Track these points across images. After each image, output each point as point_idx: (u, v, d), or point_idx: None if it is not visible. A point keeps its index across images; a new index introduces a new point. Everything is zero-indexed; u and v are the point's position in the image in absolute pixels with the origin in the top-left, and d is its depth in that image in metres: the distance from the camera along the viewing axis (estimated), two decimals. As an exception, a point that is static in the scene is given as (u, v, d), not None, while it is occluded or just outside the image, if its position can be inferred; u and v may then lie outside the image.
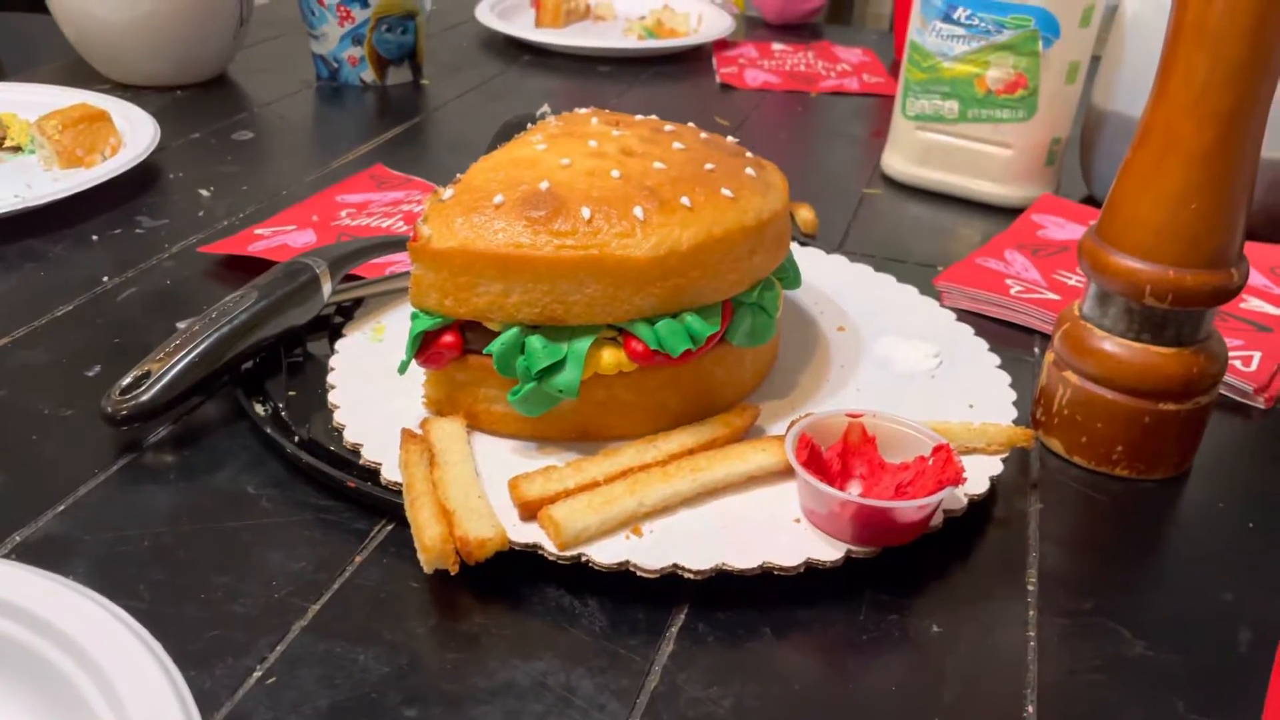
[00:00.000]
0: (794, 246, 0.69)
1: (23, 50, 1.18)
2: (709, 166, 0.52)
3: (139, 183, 0.82)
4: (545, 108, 0.70)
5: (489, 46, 1.27)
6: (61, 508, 0.48)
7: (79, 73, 1.07)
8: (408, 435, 0.49)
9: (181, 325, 0.56)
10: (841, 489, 0.47)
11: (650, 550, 0.44)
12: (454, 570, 0.43)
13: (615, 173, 0.50)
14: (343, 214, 0.76)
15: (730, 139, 0.59)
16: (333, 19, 1.05)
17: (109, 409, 0.51)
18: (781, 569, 0.44)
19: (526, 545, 0.44)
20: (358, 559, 0.46)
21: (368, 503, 0.48)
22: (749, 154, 0.57)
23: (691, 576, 0.44)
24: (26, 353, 0.60)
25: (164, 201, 0.80)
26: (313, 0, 1.05)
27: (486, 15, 1.29)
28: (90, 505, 0.48)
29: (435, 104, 1.06)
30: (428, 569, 0.43)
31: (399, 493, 0.47)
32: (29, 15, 1.26)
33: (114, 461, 0.51)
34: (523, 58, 1.23)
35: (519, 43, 1.27)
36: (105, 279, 0.68)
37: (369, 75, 1.09)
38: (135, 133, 0.86)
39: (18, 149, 0.85)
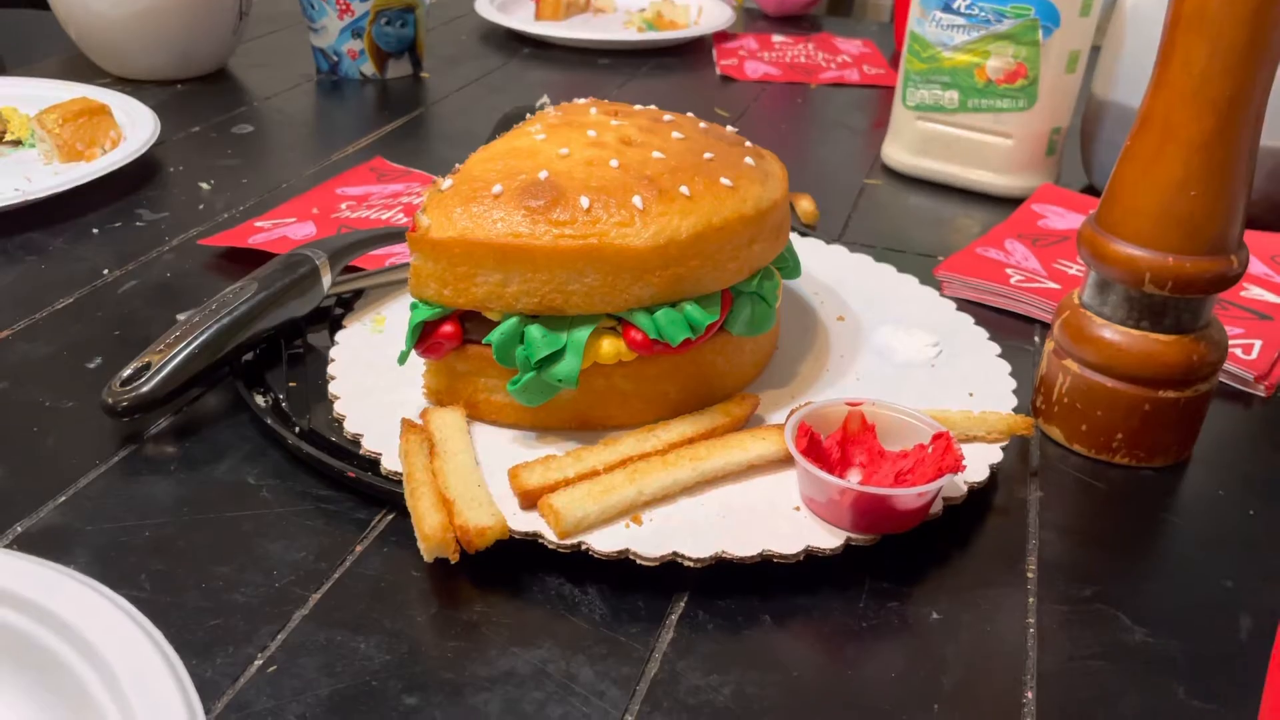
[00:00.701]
0: (794, 236, 0.69)
1: (23, 45, 1.18)
2: (708, 156, 0.52)
3: (139, 176, 0.82)
4: (544, 98, 0.70)
5: (489, 39, 1.27)
6: (63, 499, 0.48)
7: (79, 67, 1.07)
8: (407, 425, 0.49)
9: (181, 317, 0.56)
10: (841, 477, 0.47)
11: (650, 538, 0.44)
12: (454, 559, 0.43)
13: (614, 162, 0.50)
14: (343, 206, 0.76)
15: (729, 128, 0.59)
16: (332, 12, 1.05)
17: (109, 400, 0.51)
18: (781, 557, 0.44)
19: (526, 534, 0.44)
20: (358, 548, 0.46)
21: (368, 492, 0.48)
22: (748, 143, 0.57)
23: (691, 565, 0.44)
24: (27, 345, 0.60)
25: (164, 195, 0.80)
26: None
27: (486, 8, 1.29)
28: (91, 496, 0.48)
29: (435, 97, 1.06)
30: (428, 558, 0.43)
31: (399, 482, 0.47)
32: (29, 11, 1.26)
33: (115, 453, 0.51)
34: (523, 50, 1.23)
35: (519, 35, 1.27)
36: (106, 272, 0.68)
37: (369, 68, 1.09)
38: (135, 126, 0.86)
39: (18, 143, 0.85)
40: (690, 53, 1.25)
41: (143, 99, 0.93)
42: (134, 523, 0.47)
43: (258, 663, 0.40)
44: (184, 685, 0.36)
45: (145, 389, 0.51)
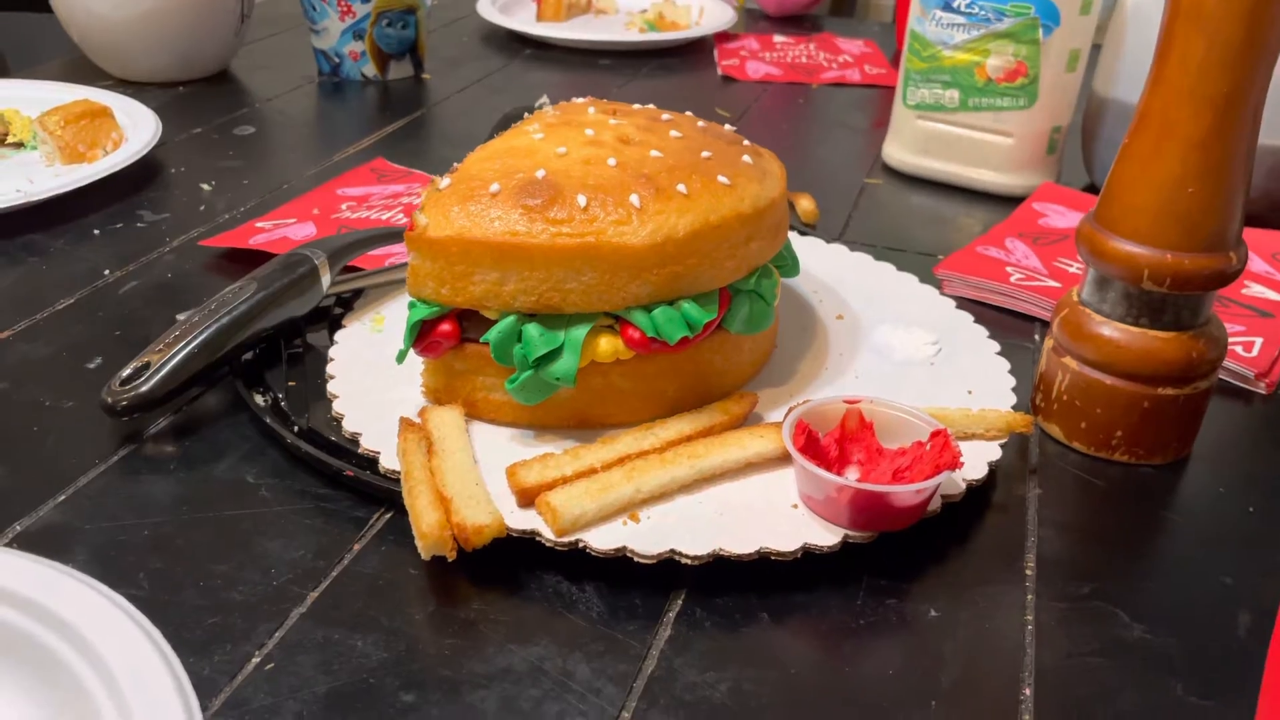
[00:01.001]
0: (794, 236, 0.69)
1: (26, 48, 1.18)
2: (706, 154, 0.52)
3: (141, 178, 0.83)
4: (544, 99, 0.70)
5: (490, 41, 1.27)
6: (62, 497, 0.48)
7: (82, 69, 1.07)
8: (406, 424, 0.49)
9: (181, 317, 0.56)
10: (839, 475, 0.47)
11: (648, 536, 0.44)
12: (451, 557, 0.43)
13: (612, 161, 0.50)
14: (343, 207, 0.77)
15: (728, 127, 0.59)
16: (334, 14, 1.05)
17: (109, 400, 0.51)
18: (779, 554, 0.44)
19: (524, 532, 0.44)
20: (356, 546, 0.46)
21: (366, 491, 0.48)
22: (746, 142, 0.57)
23: (689, 562, 0.44)
24: (28, 345, 0.60)
25: (166, 196, 0.80)
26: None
27: (488, 10, 1.29)
28: (91, 495, 0.48)
29: (436, 98, 1.06)
30: (425, 555, 0.43)
31: (397, 481, 0.47)
32: (32, 15, 1.27)
33: (114, 452, 0.51)
34: (524, 51, 1.23)
35: (520, 37, 1.27)
36: (106, 272, 0.68)
37: (370, 70, 1.09)
38: (137, 128, 0.86)
39: (20, 145, 0.85)
40: (691, 53, 1.25)
41: (144, 101, 0.93)
42: (133, 521, 0.47)
43: (255, 660, 0.40)
44: (181, 683, 0.36)
45: (145, 388, 0.51)
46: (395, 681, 0.39)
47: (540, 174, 0.49)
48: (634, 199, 0.48)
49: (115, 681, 0.36)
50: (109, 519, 0.47)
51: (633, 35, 1.25)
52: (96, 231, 0.74)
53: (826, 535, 0.45)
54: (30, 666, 0.37)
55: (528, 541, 0.45)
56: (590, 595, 0.44)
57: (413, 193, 0.80)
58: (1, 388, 0.56)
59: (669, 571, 0.44)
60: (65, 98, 0.87)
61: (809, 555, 0.45)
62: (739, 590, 0.44)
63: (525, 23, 1.28)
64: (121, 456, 0.51)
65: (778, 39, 1.30)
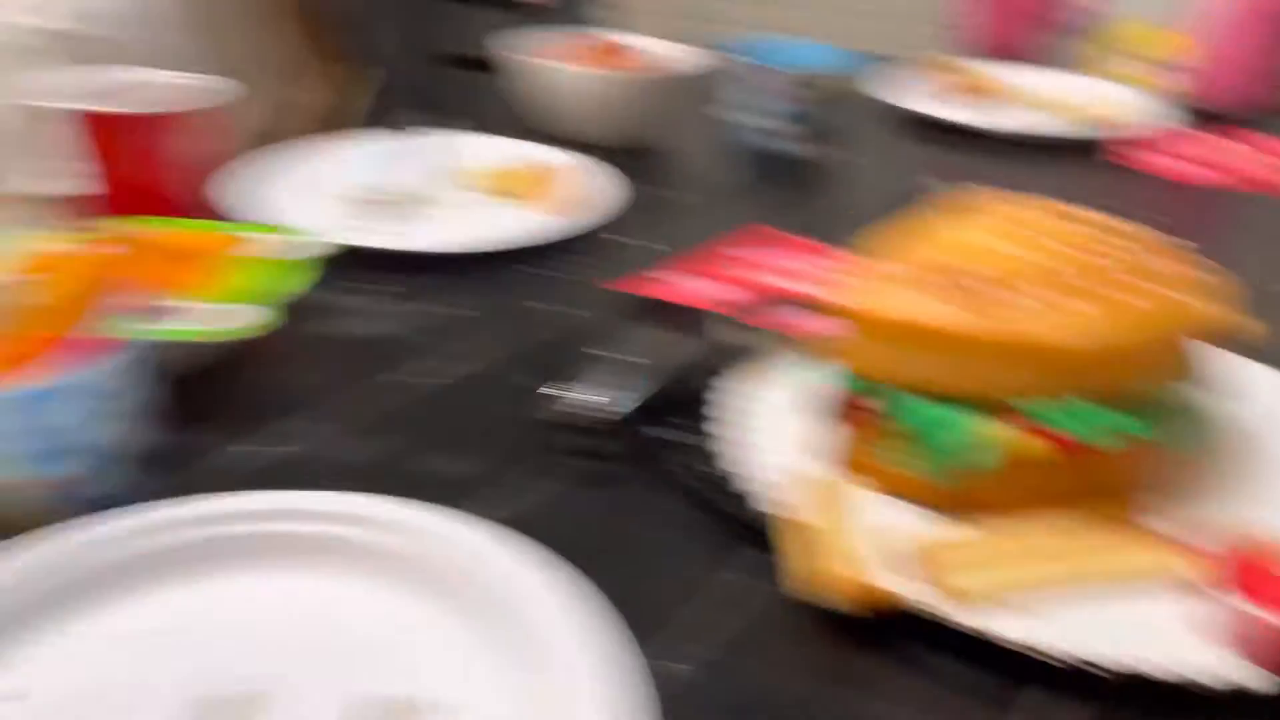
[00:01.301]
0: (1229, 355, 0.65)
1: (479, 106, 1.35)
2: (1148, 264, 0.52)
3: (571, 228, 0.92)
4: (961, 186, 0.71)
5: (887, 120, 1.29)
6: (491, 498, 0.54)
7: (529, 129, 1.20)
8: (813, 481, 0.51)
9: (593, 352, 0.62)
10: (1269, 613, 0.43)
11: (1055, 633, 0.44)
12: (854, 613, 0.45)
13: (1055, 262, 0.51)
14: (746, 269, 0.82)
15: (1176, 240, 0.57)
16: (765, 96, 1.12)
17: (547, 418, 0.58)
18: (1204, 689, 0.42)
19: (918, 603, 0.45)
20: (757, 584, 0.49)
21: (773, 535, 0.51)
22: (1192, 256, 0.55)
23: (1102, 674, 0.43)
24: (469, 363, 0.69)
25: (590, 246, 0.89)
26: (750, 78, 1.13)
27: (883, 88, 1.31)
28: (526, 501, 0.55)
29: (833, 173, 1.10)
30: (832, 607, 0.46)
31: (802, 531, 0.49)
32: (485, 75, 1.44)
33: (548, 464, 0.58)
34: (922, 132, 1.24)
35: (919, 118, 1.28)
36: (533, 303, 0.77)
37: (793, 147, 1.14)
38: (580, 185, 0.96)
39: (476, 195, 0.98)
40: (1104, 147, 1.20)
41: (587, 161, 1.04)
42: (561, 531, 0.52)
43: (662, 670, 0.44)
44: (632, 676, 0.40)
45: (580, 413, 0.58)
46: (775, 711, 0.42)
47: (979, 267, 0.51)
48: (1072, 301, 0.49)
49: (578, 656, 0.41)
50: (536, 523, 0.52)
51: (1044, 124, 1.22)
52: (525, 269, 0.83)
53: (1256, 676, 0.42)
54: (508, 631, 0.43)
55: (920, 613, 0.45)
56: (977, 680, 0.44)
57: (816, 264, 0.83)
58: (456, 396, 0.65)
59: (1058, 670, 0.43)
60: (515, 154, 1.00)
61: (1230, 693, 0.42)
62: (1117, 701, 0.43)
63: (929, 104, 1.29)
64: (555, 469, 0.57)
65: (1210, 137, 1.21)
